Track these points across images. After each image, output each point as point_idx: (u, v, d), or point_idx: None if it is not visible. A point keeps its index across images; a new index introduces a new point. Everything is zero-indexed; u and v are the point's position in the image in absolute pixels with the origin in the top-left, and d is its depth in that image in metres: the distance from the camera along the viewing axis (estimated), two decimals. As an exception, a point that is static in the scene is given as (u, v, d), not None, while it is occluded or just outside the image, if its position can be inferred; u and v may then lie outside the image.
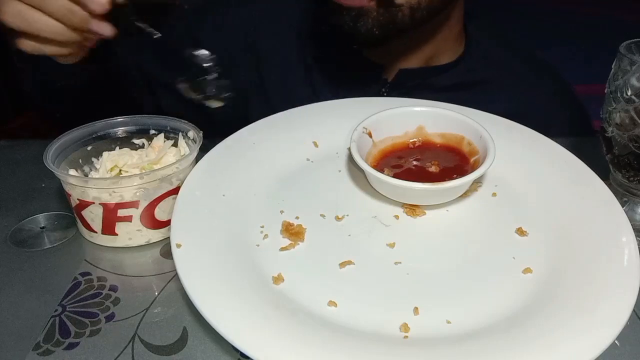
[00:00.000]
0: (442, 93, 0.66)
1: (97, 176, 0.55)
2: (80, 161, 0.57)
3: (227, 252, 0.47)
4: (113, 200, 0.50)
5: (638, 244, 0.46)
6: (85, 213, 0.52)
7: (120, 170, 0.55)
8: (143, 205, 0.51)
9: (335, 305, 0.44)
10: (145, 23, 0.53)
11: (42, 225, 0.57)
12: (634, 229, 0.48)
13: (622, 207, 0.51)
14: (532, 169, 0.57)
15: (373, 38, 0.69)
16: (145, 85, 0.85)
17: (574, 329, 0.40)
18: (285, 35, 0.82)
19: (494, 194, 0.56)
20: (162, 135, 0.59)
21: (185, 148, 0.57)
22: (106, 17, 0.53)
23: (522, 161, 0.58)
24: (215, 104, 0.54)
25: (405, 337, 0.41)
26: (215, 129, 0.59)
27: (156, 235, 0.54)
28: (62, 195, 0.56)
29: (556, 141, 0.59)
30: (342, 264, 0.47)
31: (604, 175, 0.55)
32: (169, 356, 0.42)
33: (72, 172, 0.55)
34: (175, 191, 0.53)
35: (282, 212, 0.53)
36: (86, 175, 0.56)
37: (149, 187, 0.51)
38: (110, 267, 0.51)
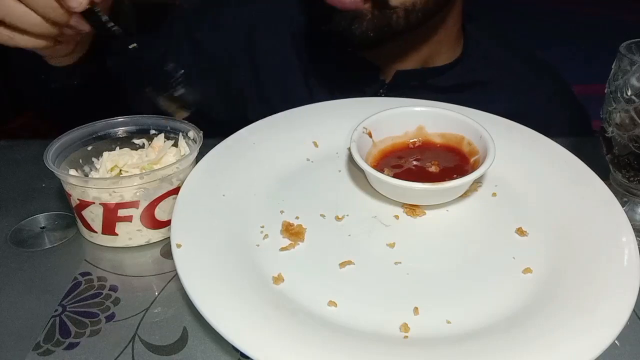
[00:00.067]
0: (440, 94, 0.66)
1: (97, 176, 0.55)
2: (81, 161, 0.57)
3: (227, 252, 0.47)
4: (113, 200, 0.50)
5: (638, 244, 0.46)
6: (85, 213, 0.52)
7: (120, 170, 0.55)
8: (143, 205, 0.51)
9: (335, 305, 0.44)
10: (123, 29, 0.53)
11: (42, 225, 0.57)
12: (634, 229, 0.48)
13: (622, 207, 0.51)
14: (532, 169, 0.57)
15: (368, 41, 0.68)
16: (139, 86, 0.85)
17: (574, 329, 0.40)
18: (282, 36, 0.82)
19: (494, 194, 0.56)
20: (162, 135, 0.59)
21: (186, 148, 0.57)
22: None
23: (522, 161, 0.58)
24: (180, 115, 0.54)
25: (405, 337, 0.41)
26: (212, 130, 0.59)
27: (156, 235, 0.54)
28: (62, 195, 0.56)
29: (556, 141, 0.59)
30: (342, 264, 0.47)
31: (604, 175, 0.55)
32: (169, 356, 0.42)
33: (72, 172, 0.55)
34: (175, 191, 0.53)
35: (282, 212, 0.53)
36: (86, 175, 0.56)
37: (149, 187, 0.51)
38: (111, 267, 0.51)
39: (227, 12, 0.84)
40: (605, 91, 0.54)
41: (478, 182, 0.57)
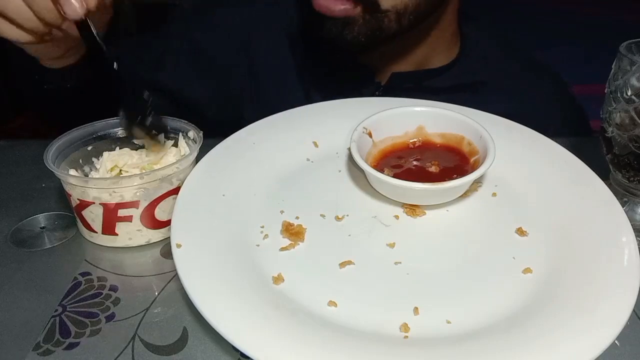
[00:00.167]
0: (437, 95, 0.66)
1: (97, 176, 0.55)
2: (81, 161, 0.57)
3: (227, 252, 0.47)
4: (113, 200, 0.50)
5: (638, 244, 0.46)
6: (85, 213, 0.52)
7: (120, 170, 0.55)
8: (143, 205, 0.51)
9: (335, 305, 0.44)
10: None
11: (42, 225, 0.57)
12: (634, 229, 0.48)
13: (622, 207, 0.51)
14: (532, 169, 0.57)
15: (360, 45, 0.68)
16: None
17: (574, 329, 0.40)
18: (279, 38, 0.82)
19: (494, 194, 0.56)
20: (162, 135, 0.59)
21: (186, 148, 0.57)
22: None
23: (522, 161, 0.58)
24: (153, 144, 0.54)
25: (405, 337, 0.41)
26: (208, 131, 0.59)
27: (156, 235, 0.54)
28: (62, 195, 0.56)
29: (556, 141, 0.59)
30: (342, 264, 0.47)
31: (604, 175, 0.55)
32: (169, 356, 0.42)
33: (72, 172, 0.55)
34: (175, 191, 0.53)
35: (282, 212, 0.53)
36: (86, 175, 0.56)
37: (149, 187, 0.51)
38: (111, 267, 0.51)
39: (224, 12, 0.84)
40: (605, 91, 0.54)
41: (478, 182, 0.57)
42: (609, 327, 0.40)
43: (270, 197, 0.55)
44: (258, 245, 0.49)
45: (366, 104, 0.64)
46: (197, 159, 0.55)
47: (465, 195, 0.55)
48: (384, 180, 0.51)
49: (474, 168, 0.54)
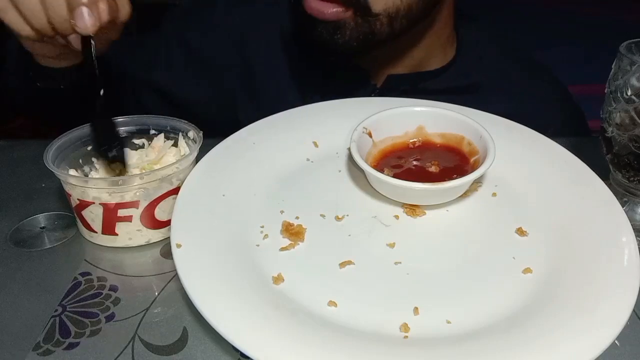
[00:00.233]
0: (433, 97, 0.66)
1: (97, 176, 0.55)
2: (80, 161, 0.57)
3: (227, 252, 0.47)
4: (113, 200, 0.50)
5: (638, 244, 0.46)
6: (85, 213, 0.52)
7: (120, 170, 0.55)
8: (143, 205, 0.51)
9: (335, 305, 0.44)
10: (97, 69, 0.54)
11: (42, 225, 0.57)
12: (634, 229, 0.48)
13: (622, 207, 0.51)
14: (532, 169, 0.57)
15: (352, 49, 0.68)
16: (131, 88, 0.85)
17: (574, 329, 0.40)
18: (275, 40, 0.82)
19: (494, 194, 0.56)
20: (162, 135, 0.59)
21: (185, 148, 0.57)
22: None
23: (522, 161, 0.58)
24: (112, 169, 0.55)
25: (405, 337, 0.41)
26: (204, 131, 0.59)
27: (156, 235, 0.54)
28: (62, 195, 0.56)
29: (556, 141, 0.59)
30: (342, 264, 0.47)
31: (604, 175, 0.55)
32: (169, 356, 0.42)
33: (72, 172, 0.55)
34: (175, 191, 0.53)
35: (282, 212, 0.53)
36: (86, 175, 0.56)
37: (149, 187, 0.51)
38: (110, 267, 0.51)
39: (221, 13, 0.84)
40: (605, 91, 0.54)
41: (478, 182, 0.57)
42: (609, 327, 0.40)
43: (270, 197, 0.55)
44: (258, 245, 0.49)
45: (366, 104, 0.64)
46: (197, 159, 0.55)
47: (465, 195, 0.55)
48: (384, 180, 0.51)
49: (474, 168, 0.54)
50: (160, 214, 0.53)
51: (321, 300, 0.44)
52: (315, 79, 0.81)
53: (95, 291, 0.48)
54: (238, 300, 0.42)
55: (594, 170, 0.55)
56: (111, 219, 0.51)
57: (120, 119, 0.59)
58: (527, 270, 0.47)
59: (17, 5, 0.52)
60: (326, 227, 0.52)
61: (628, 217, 0.49)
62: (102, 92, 0.53)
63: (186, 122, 0.58)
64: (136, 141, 0.59)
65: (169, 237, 0.47)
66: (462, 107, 0.63)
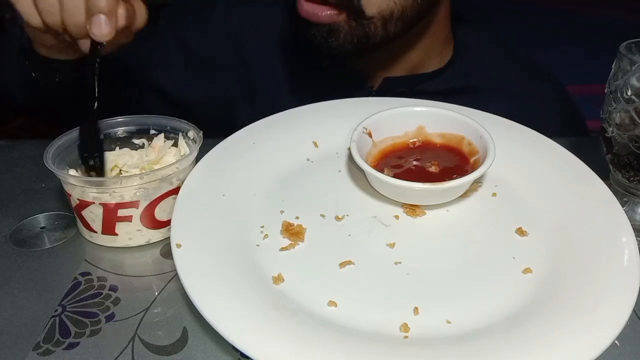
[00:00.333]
0: (431, 99, 0.66)
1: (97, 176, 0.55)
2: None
3: (227, 252, 0.47)
4: (113, 200, 0.50)
5: (638, 244, 0.46)
6: (85, 213, 0.52)
7: (120, 170, 0.55)
8: (143, 205, 0.51)
9: (335, 305, 0.44)
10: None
11: (42, 225, 0.57)
12: (634, 229, 0.48)
13: (622, 207, 0.51)
14: (532, 169, 0.57)
15: (346, 52, 0.68)
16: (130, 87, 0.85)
17: (574, 329, 0.40)
18: (273, 41, 0.82)
19: (494, 194, 0.56)
20: (162, 135, 0.59)
21: (185, 148, 0.57)
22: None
23: (522, 161, 0.58)
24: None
25: (405, 337, 0.41)
26: (203, 131, 0.59)
27: (156, 235, 0.54)
28: (62, 195, 0.56)
29: (556, 141, 0.59)
30: (342, 264, 0.47)
31: (604, 175, 0.55)
32: (169, 356, 0.42)
33: (72, 172, 0.55)
34: (175, 191, 0.53)
35: (282, 212, 0.53)
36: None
37: (149, 187, 0.51)
38: (110, 267, 0.51)
39: (218, 13, 0.84)
40: (605, 91, 0.54)
41: (478, 182, 0.57)
42: (609, 327, 0.40)
43: (270, 197, 0.55)
44: (258, 245, 0.49)
45: (366, 104, 0.64)
46: (197, 159, 0.55)
47: (465, 195, 0.55)
48: (384, 180, 0.51)
49: (474, 168, 0.54)
50: (160, 214, 0.53)
51: (321, 300, 0.44)
52: (312, 80, 0.80)
53: (95, 291, 0.48)
54: (238, 300, 0.42)
55: (594, 170, 0.55)
56: (111, 219, 0.51)
57: (120, 119, 0.59)
58: (527, 270, 0.47)
59: None
60: (326, 227, 0.52)
61: (628, 217, 0.49)
62: (96, 104, 0.53)
63: (186, 122, 0.58)
64: (136, 141, 0.59)
65: (169, 237, 0.47)
66: (462, 107, 0.63)
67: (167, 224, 0.53)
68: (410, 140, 0.60)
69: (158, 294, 0.48)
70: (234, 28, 0.83)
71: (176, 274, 0.45)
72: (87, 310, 0.46)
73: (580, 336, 0.39)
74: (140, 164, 0.55)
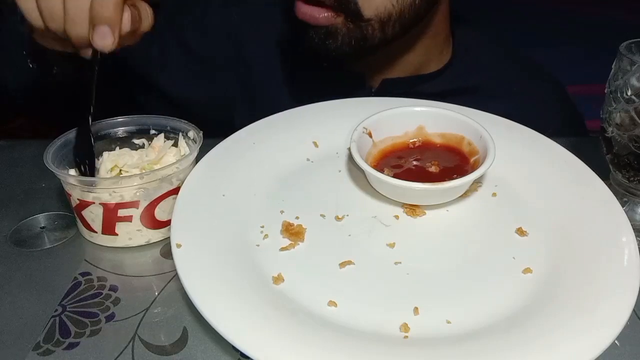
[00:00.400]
0: (431, 99, 0.65)
1: (97, 176, 0.55)
2: (80, 161, 0.57)
3: (227, 252, 0.47)
4: (113, 200, 0.50)
5: (638, 244, 0.46)
6: (85, 213, 0.52)
7: (120, 170, 0.55)
8: (143, 205, 0.51)
9: (335, 305, 0.44)
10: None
11: (42, 225, 0.57)
12: (634, 229, 0.48)
13: (622, 207, 0.51)
14: (532, 169, 0.57)
15: (344, 54, 0.67)
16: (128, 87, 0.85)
17: (574, 329, 0.40)
18: (272, 41, 0.82)
19: (494, 194, 0.56)
20: (162, 135, 0.59)
21: (185, 148, 0.57)
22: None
23: (522, 161, 0.58)
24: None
25: (405, 337, 0.41)
26: (203, 131, 0.58)
27: (156, 235, 0.54)
28: (62, 195, 0.56)
29: (556, 141, 0.59)
30: (342, 264, 0.47)
31: (604, 175, 0.55)
32: (169, 356, 0.42)
33: (72, 172, 0.55)
34: (175, 191, 0.53)
35: (282, 212, 0.53)
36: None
37: (149, 187, 0.51)
38: (110, 267, 0.51)
39: (218, 13, 0.84)
40: (605, 91, 0.54)
41: (478, 182, 0.57)
42: (609, 327, 0.40)
43: (270, 197, 0.55)
44: (258, 245, 0.49)
45: (366, 104, 0.64)
46: (197, 159, 0.55)
47: (465, 195, 0.55)
48: (384, 180, 0.51)
49: (474, 168, 0.54)
50: (160, 214, 0.53)
51: (321, 300, 0.44)
52: (310, 81, 0.80)
53: (95, 291, 0.48)
54: (238, 300, 0.42)
55: (594, 170, 0.55)
56: (111, 219, 0.51)
57: (120, 119, 0.59)
58: (527, 270, 0.47)
59: (38, 1, 0.50)
60: (326, 227, 0.52)
61: (628, 217, 0.49)
62: (91, 111, 0.53)
63: (186, 122, 0.58)
64: (136, 141, 0.59)
65: (169, 237, 0.47)
66: (462, 107, 0.63)
67: (167, 224, 0.53)
68: (410, 140, 0.60)
69: (158, 294, 0.48)
70: (234, 28, 0.83)
71: (176, 274, 0.45)
72: (87, 310, 0.46)
73: (580, 336, 0.39)
74: (140, 164, 0.55)
